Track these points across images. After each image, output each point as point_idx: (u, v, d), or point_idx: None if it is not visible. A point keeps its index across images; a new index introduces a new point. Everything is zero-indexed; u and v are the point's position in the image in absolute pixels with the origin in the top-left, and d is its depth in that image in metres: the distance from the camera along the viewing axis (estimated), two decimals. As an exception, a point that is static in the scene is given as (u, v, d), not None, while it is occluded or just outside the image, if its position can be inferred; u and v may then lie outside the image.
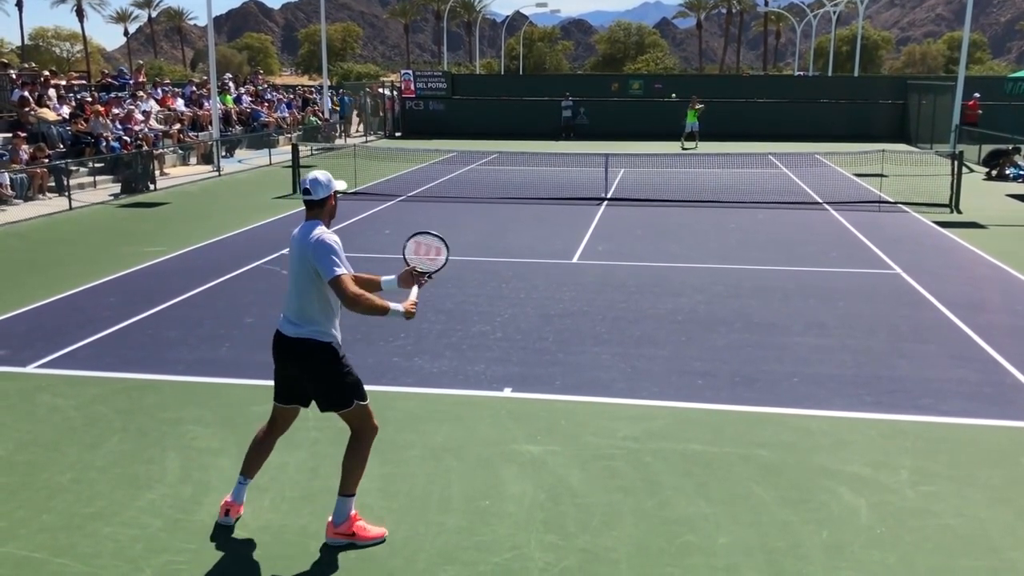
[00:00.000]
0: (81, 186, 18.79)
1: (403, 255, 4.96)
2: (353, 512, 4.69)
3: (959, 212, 16.12)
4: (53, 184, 18.13)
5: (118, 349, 8.10)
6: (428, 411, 6.56)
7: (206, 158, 24.41)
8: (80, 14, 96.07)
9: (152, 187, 19.38)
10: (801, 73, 69.42)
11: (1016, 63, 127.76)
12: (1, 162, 17.19)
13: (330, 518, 4.72)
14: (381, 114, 38.18)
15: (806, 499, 5.22)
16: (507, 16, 74.17)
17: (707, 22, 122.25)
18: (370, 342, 8.13)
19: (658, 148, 27.56)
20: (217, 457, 5.79)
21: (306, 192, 4.58)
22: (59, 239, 13.78)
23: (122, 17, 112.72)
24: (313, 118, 33.24)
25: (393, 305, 4.50)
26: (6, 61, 24.31)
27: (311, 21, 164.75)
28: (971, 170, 21.65)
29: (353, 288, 4.41)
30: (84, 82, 28.54)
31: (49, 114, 20.23)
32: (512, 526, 4.89)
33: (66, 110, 21.26)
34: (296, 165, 19.02)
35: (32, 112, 19.75)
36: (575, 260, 12.07)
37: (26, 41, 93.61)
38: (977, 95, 27.80)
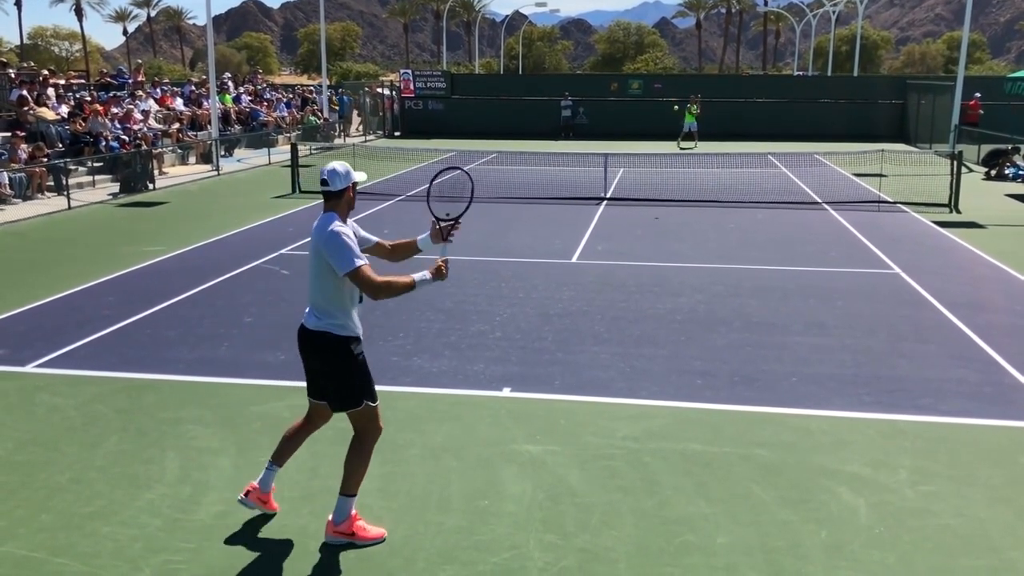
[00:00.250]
0: (80, 185, 18.78)
1: (428, 207, 4.92)
2: (353, 512, 4.69)
3: (958, 212, 16.12)
4: (52, 183, 18.13)
5: (117, 349, 8.09)
6: (427, 411, 6.56)
7: (205, 157, 24.40)
8: (79, 13, 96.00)
9: (151, 186, 19.38)
10: (800, 73, 69.40)
11: (1015, 63, 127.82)
12: (0, 161, 17.18)
13: (330, 517, 4.72)
14: (380, 114, 38.18)
15: (805, 499, 5.22)
16: (506, 16, 74.08)
17: (706, 22, 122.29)
18: (369, 341, 8.07)
19: (657, 148, 27.56)
20: (216, 457, 5.78)
21: (324, 183, 4.52)
22: (58, 238, 13.77)
23: (121, 16, 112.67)
24: (312, 118, 33.23)
25: (417, 276, 4.46)
26: (5, 60, 24.32)
27: (310, 20, 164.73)
28: (970, 170, 21.66)
29: (373, 278, 4.37)
30: (83, 81, 28.52)
31: (48, 113, 20.21)
32: (511, 526, 4.89)
33: (65, 109, 21.24)
34: (295, 164, 19.02)
35: (31, 111, 19.73)
36: (574, 260, 12.07)
37: (25, 40, 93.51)
38: (978, 95, 27.79)
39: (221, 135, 25.25)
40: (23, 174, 17.35)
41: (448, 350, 8.00)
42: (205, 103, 27.01)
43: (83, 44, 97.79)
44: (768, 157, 24.55)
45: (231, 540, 4.76)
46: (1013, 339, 8.39)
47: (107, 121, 21.06)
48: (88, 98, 22.89)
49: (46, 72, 24.49)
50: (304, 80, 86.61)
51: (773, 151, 25.44)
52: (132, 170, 19.21)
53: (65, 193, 17.18)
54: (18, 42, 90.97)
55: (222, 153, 24.72)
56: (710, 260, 12.00)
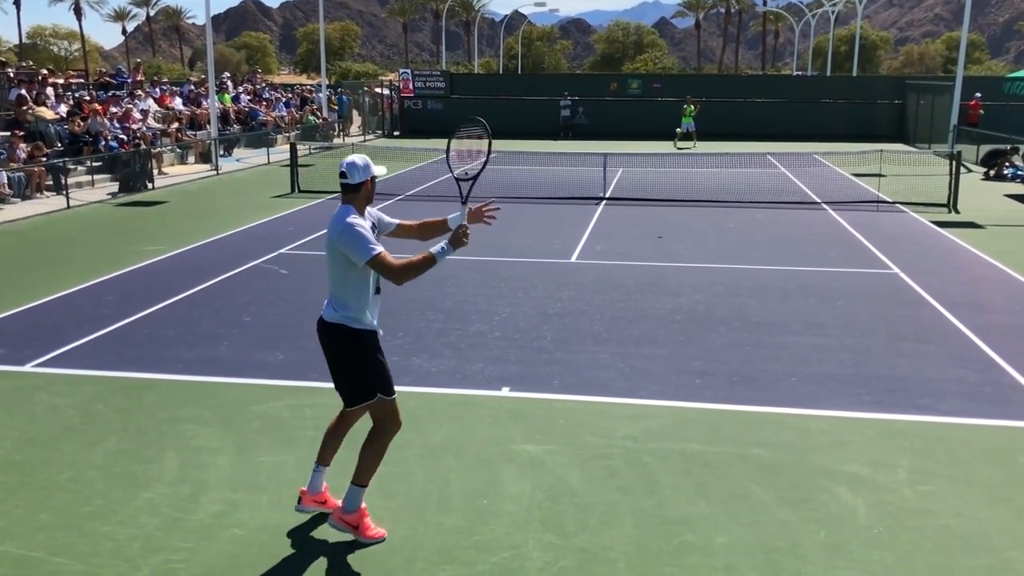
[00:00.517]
0: (79, 185, 18.76)
1: (447, 164, 4.97)
2: (363, 505, 4.69)
3: (957, 212, 16.13)
4: (51, 183, 18.12)
5: (116, 348, 8.09)
6: (427, 410, 6.55)
7: (204, 157, 24.39)
8: (78, 12, 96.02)
9: (150, 186, 19.37)
10: (800, 73, 69.45)
11: (1014, 63, 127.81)
12: (-1, 160, 17.20)
13: (339, 502, 4.71)
14: (379, 113, 38.16)
15: (805, 499, 5.22)
16: (506, 15, 73.96)
17: (706, 22, 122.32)
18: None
19: (657, 148, 27.56)
20: (215, 456, 5.78)
21: (343, 176, 4.52)
22: (57, 238, 13.76)
23: (120, 16, 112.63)
24: (311, 117, 33.22)
25: (435, 249, 4.46)
26: (4, 59, 24.33)
27: (309, 20, 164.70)
28: (969, 170, 21.66)
29: (392, 262, 4.39)
30: (82, 81, 28.54)
31: (47, 113, 20.20)
32: (510, 525, 4.89)
33: (64, 109, 21.23)
34: (294, 164, 19.02)
35: (30, 111, 19.72)
36: (574, 259, 12.07)
37: (24, 39, 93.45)
38: (978, 95, 27.80)
39: (220, 135, 25.24)
40: (22, 173, 17.34)
41: (447, 350, 8.00)
42: (204, 102, 26.99)
43: (82, 43, 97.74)
44: (767, 157, 24.56)
45: (230, 539, 4.75)
46: (1012, 339, 8.39)
47: (106, 120, 21.05)
48: (87, 97, 22.87)
49: (45, 71, 24.47)
50: (303, 80, 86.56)
51: (772, 151, 25.45)
52: (131, 169, 19.21)
53: (64, 192, 17.16)
54: (17, 41, 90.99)
55: (221, 153, 24.71)
56: (709, 260, 12.00)
